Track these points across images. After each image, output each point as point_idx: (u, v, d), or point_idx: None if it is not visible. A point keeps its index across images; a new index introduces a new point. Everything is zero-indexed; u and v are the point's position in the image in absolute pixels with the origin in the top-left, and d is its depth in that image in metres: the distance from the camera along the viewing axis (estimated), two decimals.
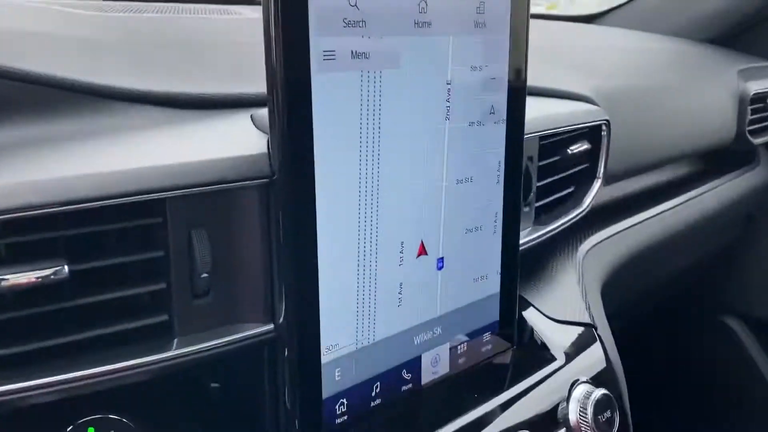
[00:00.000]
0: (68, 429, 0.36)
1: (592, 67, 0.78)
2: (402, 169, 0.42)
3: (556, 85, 0.66)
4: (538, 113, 0.56)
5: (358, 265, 0.41)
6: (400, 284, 0.44)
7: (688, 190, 0.85)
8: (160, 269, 0.35)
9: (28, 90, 0.34)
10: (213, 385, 0.42)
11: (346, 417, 0.42)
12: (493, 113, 0.47)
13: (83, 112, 0.36)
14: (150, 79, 0.39)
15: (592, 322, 0.58)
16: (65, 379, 0.33)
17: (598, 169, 0.66)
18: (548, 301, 0.60)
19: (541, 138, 0.57)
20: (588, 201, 0.65)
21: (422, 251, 0.45)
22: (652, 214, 0.77)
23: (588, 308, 0.60)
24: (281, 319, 0.38)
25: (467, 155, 0.46)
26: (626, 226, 0.74)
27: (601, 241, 0.70)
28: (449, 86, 0.44)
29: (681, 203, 0.82)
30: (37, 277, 0.31)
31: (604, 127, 0.66)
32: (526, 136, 0.54)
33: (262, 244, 0.37)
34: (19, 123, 0.34)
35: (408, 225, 0.43)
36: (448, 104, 0.44)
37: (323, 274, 0.39)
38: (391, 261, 0.43)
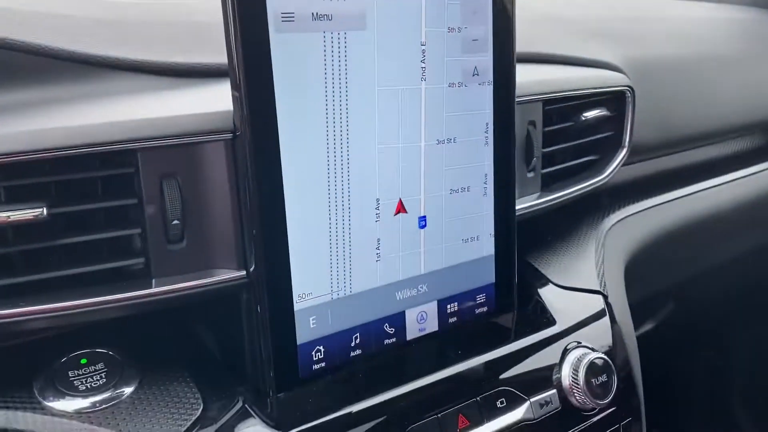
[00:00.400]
0: (62, 360, 0.41)
1: (632, 37, 0.76)
2: (373, 129, 0.44)
3: (580, 53, 0.65)
4: (543, 77, 0.56)
5: (330, 219, 0.43)
6: (378, 240, 0.46)
7: (739, 168, 0.80)
8: (135, 216, 0.39)
9: (22, 59, 0.39)
10: (197, 326, 0.46)
11: (323, 363, 0.45)
12: (477, 75, 0.48)
13: (68, 78, 0.40)
14: (132, 50, 0.44)
15: (602, 291, 0.57)
16: (52, 308, 0.37)
17: (624, 137, 0.65)
18: (560, 269, 0.59)
19: (548, 102, 0.57)
20: (610, 170, 0.63)
21: (401, 209, 0.47)
22: (691, 191, 0.74)
23: (601, 277, 0.59)
24: (252, 267, 0.41)
25: (449, 116, 0.47)
26: (660, 201, 0.71)
27: (630, 215, 0.68)
28: (424, 47, 0.45)
29: (728, 182, 0.77)
30: (21, 217, 0.36)
31: (628, 94, 0.64)
32: (526, 99, 0.55)
33: (231, 194, 0.41)
34: (12, 88, 0.39)
35: (383, 183, 0.45)
36: (423, 65, 0.45)
37: (292, 225, 0.41)
38: (365, 217, 0.45)
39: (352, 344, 0.46)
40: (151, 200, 0.39)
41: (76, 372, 0.41)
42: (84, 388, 0.40)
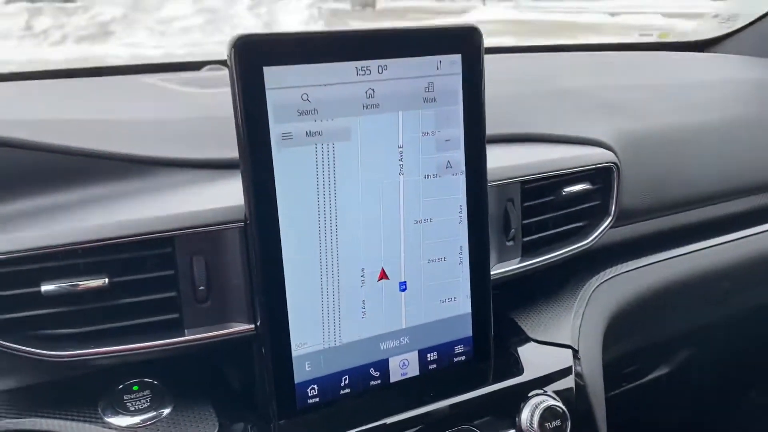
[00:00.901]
0: (119, 386, 0.55)
1: (630, 108, 0.83)
2: (359, 215, 0.55)
3: (567, 129, 0.74)
4: (520, 159, 0.66)
5: (321, 284, 0.55)
6: (363, 300, 0.57)
7: (734, 230, 0.85)
8: (172, 283, 0.53)
9: (80, 160, 0.55)
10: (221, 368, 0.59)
11: (317, 399, 0.57)
12: (450, 167, 0.59)
13: (121, 175, 0.56)
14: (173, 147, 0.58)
15: (573, 346, 0.66)
16: (112, 350, 0.51)
17: (610, 207, 0.73)
18: (538, 324, 0.68)
19: (526, 182, 0.66)
20: (594, 236, 0.72)
21: (383, 276, 0.58)
22: (683, 252, 0.80)
23: (577, 334, 0.67)
24: (259, 322, 0.54)
25: (425, 201, 0.58)
26: (650, 261, 0.78)
27: (619, 275, 0.75)
28: (401, 149, 0.56)
29: (721, 243, 0.83)
30: (91, 285, 0.50)
31: (613, 169, 0.72)
32: (501, 183, 0.65)
33: (243, 267, 0.54)
34: (81, 186, 0.54)
35: (368, 255, 0.57)
36: (401, 162, 0.57)
37: (290, 290, 0.53)
38: (352, 282, 0.56)
39: (342, 384, 0.58)
40: (184, 272, 0.53)
41: (129, 396, 0.55)
42: (134, 408, 0.54)
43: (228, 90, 0.49)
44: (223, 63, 0.93)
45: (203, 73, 0.95)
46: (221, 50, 0.50)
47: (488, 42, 0.58)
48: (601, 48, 1.24)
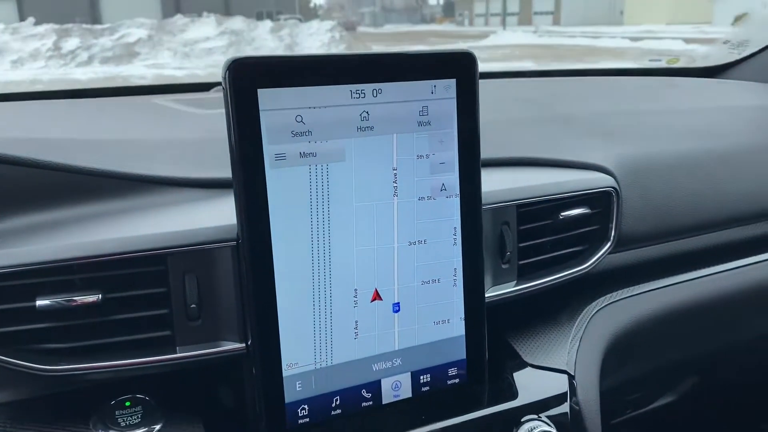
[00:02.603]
0: (112, 402, 0.56)
1: (636, 134, 0.83)
2: (352, 236, 0.56)
3: (568, 154, 0.74)
4: (515, 183, 0.66)
5: (313, 304, 0.55)
6: (356, 321, 0.57)
7: (739, 257, 0.84)
8: (164, 300, 0.53)
9: (77, 178, 0.56)
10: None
11: (308, 419, 0.56)
12: (445, 189, 0.59)
13: (116, 193, 0.57)
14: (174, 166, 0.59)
15: (570, 371, 0.65)
16: (104, 365, 0.52)
17: (609, 232, 0.73)
18: (535, 348, 0.68)
19: (522, 206, 0.66)
20: (593, 260, 0.71)
21: (376, 297, 0.58)
22: (686, 278, 0.79)
23: (574, 359, 0.67)
24: (250, 341, 0.54)
25: (419, 223, 0.58)
26: (652, 287, 0.77)
27: (616, 301, 0.75)
28: (395, 171, 0.57)
29: (727, 270, 0.81)
30: (84, 300, 0.51)
31: (612, 194, 0.72)
32: (497, 206, 0.65)
33: (235, 285, 0.54)
34: (76, 203, 0.55)
35: (361, 276, 0.57)
36: (395, 185, 0.57)
37: (281, 308, 0.54)
38: (345, 303, 0.57)
39: (333, 405, 0.58)
40: (176, 289, 0.53)
41: (120, 411, 0.55)
42: (124, 424, 0.54)
43: None
44: None
45: (211, 93, 0.97)
46: None
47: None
48: (610, 73, 1.24)
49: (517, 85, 1.06)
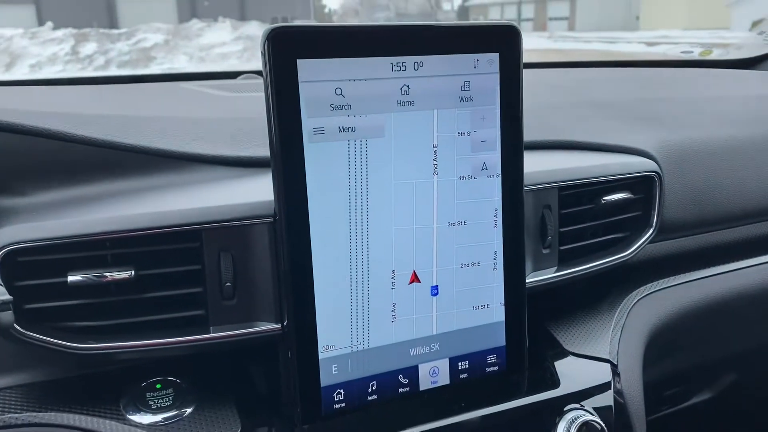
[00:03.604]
0: (142, 384, 0.54)
1: (678, 121, 0.81)
2: (391, 215, 0.54)
3: (611, 138, 0.72)
4: (558, 165, 0.64)
5: (351, 285, 0.53)
6: (393, 304, 0.55)
7: None
8: (198, 278, 0.52)
9: (112, 153, 0.54)
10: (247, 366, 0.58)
11: (343, 404, 0.54)
12: (486, 169, 0.57)
13: (150, 170, 0.55)
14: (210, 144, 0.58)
15: (612, 360, 0.63)
16: (136, 345, 0.50)
17: (651, 218, 0.70)
18: (576, 336, 0.66)
19: (564, 189, 0.64)
20: (634, 248, 0.69)
21: (415, 279, 0.56)
22: (730, 269, 0.76)
23: (617, 348, 0.64)
24: (286, 322, 0.52)
25: (459, 203, 0.56)
26: (695, 277, 0.74)
27: (659, 290, 0.72)
28: (436, 149, 0.55)
29: (765, 262, 0.79)
30: (117, 277, 0.49)
31: (655, 179, 0.70)
32: (538, 188, 0.63)
33: (271, 264, 0.52)
34: (118, 178, 0.53)
35: (399, 257, 0.55)
36: (435, 163, 0.55)
37: (318, 289, 0.52)
38: (382, 285, 0.55)
39: (369, 390, 0.56)
40: (211, 267, 0.51)
41: (151, 393, 0.54)
42: (156, 406, 0.53)
43: (261, 95, 0.48)
44: (257, 73, 0.93)
45: (238, 81, 0.95)
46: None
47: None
48: (643, 65, 1.22)
49: (549, 74, 1.04)
